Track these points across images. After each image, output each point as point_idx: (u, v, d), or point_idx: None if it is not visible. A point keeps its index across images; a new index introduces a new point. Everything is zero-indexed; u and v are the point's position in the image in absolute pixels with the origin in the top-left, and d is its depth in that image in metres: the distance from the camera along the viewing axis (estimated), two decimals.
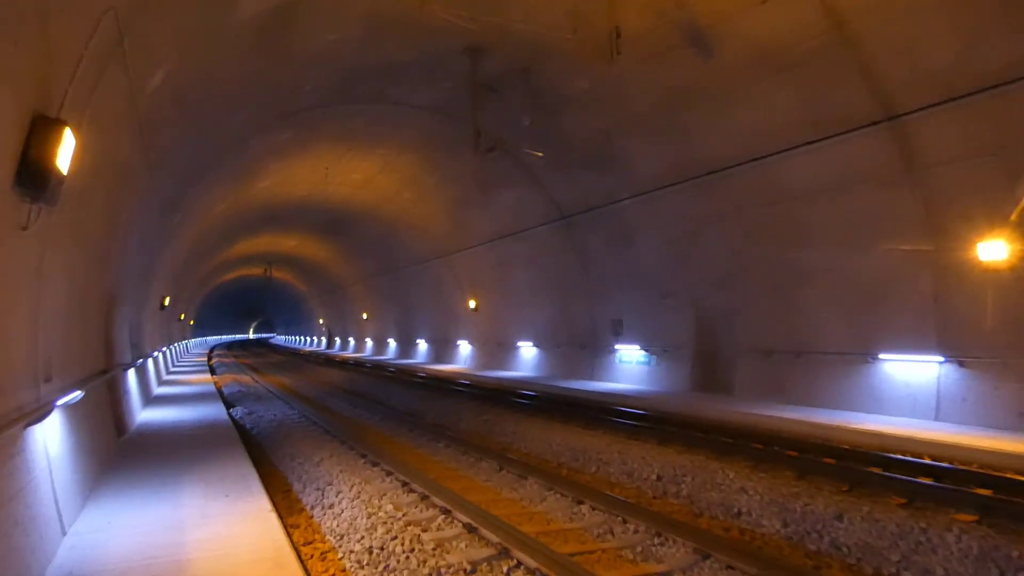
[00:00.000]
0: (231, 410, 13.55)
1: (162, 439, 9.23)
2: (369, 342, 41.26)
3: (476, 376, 20.66)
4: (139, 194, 9.76)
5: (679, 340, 15.36)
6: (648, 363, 16.24)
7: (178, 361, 32.42)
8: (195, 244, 23.28)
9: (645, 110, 13.30)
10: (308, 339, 65.48)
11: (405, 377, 22.70)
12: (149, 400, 14.25)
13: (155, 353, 17.19)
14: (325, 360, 36.37)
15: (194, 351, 49.15)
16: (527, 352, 22.10)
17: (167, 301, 20.37)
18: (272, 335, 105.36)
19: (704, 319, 14.73)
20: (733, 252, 13.60)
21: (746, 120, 11.59)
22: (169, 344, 26.98)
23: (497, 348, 24.08)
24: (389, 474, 8.36)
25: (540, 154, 14.74)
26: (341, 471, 8.54)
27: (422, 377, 22.09)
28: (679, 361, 15.31)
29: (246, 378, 24.38)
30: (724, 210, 13.36)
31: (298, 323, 71.47)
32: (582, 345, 19.00)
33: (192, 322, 50.92)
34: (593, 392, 15.00)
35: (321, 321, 56.44)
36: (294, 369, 30.68)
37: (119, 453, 8.13)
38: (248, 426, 12.31)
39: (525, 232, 20.19)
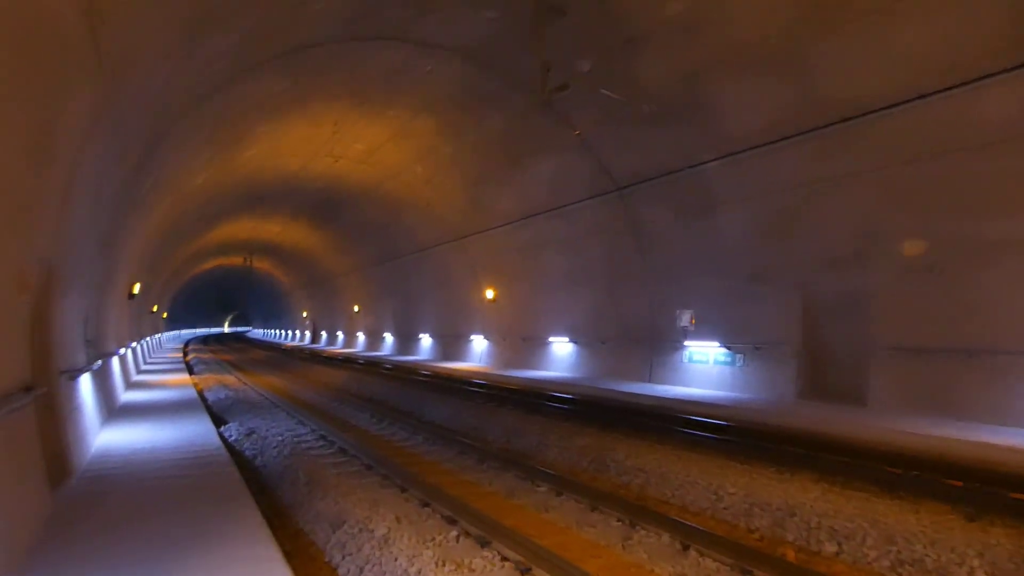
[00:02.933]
0: (223, 428, 10.38)
1: (127, 487, 6.08)
2: (361, 336, 38.00)
3: (504, 377, 17.66)
4: (92, 119, 6.58)
5: (776, 335, 12.55)
6: (731, 363, 13.42)
7: (151, 356, 28.85)
8: (170, 224, 19.90)
9: (755, 40, 10.39)
10: (290, 333, 61.82)
11: (419, 378, 19.58)
12: (113, 412, 11.00)
13: (121, 351, 13.88)
14: (315, 356, 33.03)
15: (168, 346, 45.35)
16: (561, 348, 19.17)
17: (136, 288, 17.00)
18: (248, 329, 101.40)
19: (815, 308, 11.93)
20: (863, 223, 10.80)
21: (918, 42, 8.73)
22: (140, 339, 23.50)
23: (522, 344, 21.09)
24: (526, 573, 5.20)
25: (619, 98, 11.74)
26: (436, 559, 5.23)
27: (441, 378, 18.97)
28: (776, 361, 12.51)
29: (230, 379, 21.03)
30: (856, 169, 10.54)
31: (278, 316, 67.75)
32: (636, 340, 16.12)
33: (165, 315, 47.12)
34: (671, 399, 12.06)
35: (305, 314, 52.91)
36: (283, 367, 27.34)
37: (52, 525, 5.00)
38: (249, 453, 9.16)
39: (564, 208, 17.23)
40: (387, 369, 22.54)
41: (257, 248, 40.07)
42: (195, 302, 70.92)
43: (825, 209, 11.34)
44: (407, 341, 30.76)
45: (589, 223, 16.95)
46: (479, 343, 24.07)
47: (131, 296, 16.39)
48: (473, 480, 7.54)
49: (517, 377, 17.44)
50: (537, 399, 13.10)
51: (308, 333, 52.54)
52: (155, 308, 32.84)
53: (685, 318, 14.39)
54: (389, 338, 33.20)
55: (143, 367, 22.33)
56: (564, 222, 17.78)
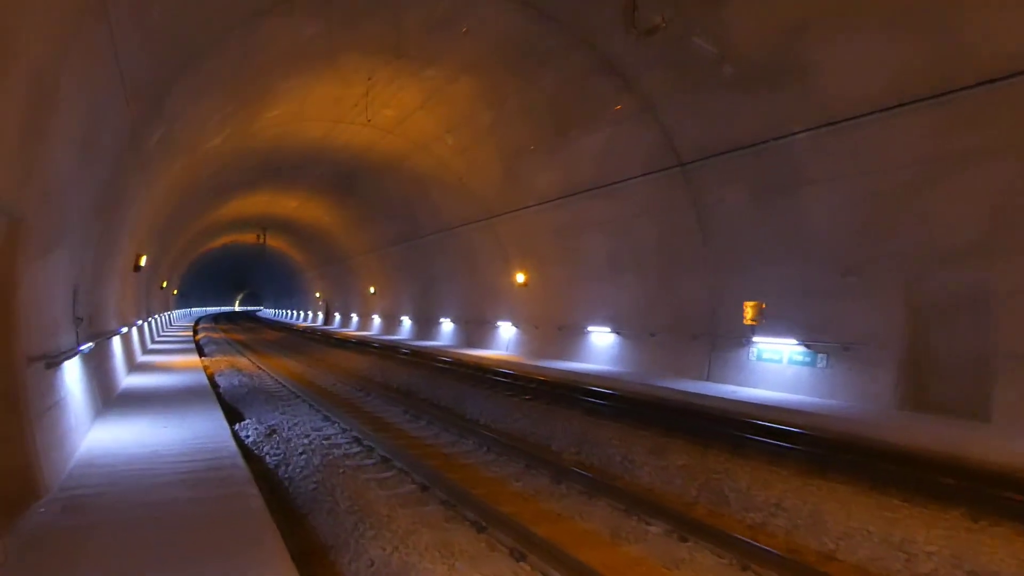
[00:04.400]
0: (238, 425, 8.89)
1: (114, 518, 4.56)
2: (376, 319, 36.58)
3: (540, 368, 16.11)
4: (71, 24, 5.03)
5: (870, 334, 10.89)
6: (811, 363, 11.77)
7: (160, 335, 27.56)
8: (182, 191, 18.41)
9: None
10: (302, 314, 60.64)
11: (447, 366, 18.06)
12: (111, 401, 9.54)
13: (124, 329, 12.43)
14: (329, 339, 31.65)
15: (178, 324, 44.21)
16: (601, 339, 17.57)
17: (143, 260, 15.54)
18: (259, 308, 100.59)
19: (922, 306, 10.25)
20: (994, 209, 9.07)
21: None
22: (148, 316, 22.14)
23: (556, 333, 19.51)
24: None
25: (713, 49, 10.04)
26: None
27: (471, 368, 17.42)
28: (870, 364, 10.85)
29: (243, 361, 19.61)
30: (993, 143, 8.81)
31: (290, 296, 66.60)
32: (692, 334, 14.49)
33: (176, 292, 45.98)
34: (750, 403, 10.40)
35: (318, 295, 51.62)
36: (298, 350, 25.94)
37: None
38: (271, 461, 7.59)
39: (614, 186, 15.54)
40: (410, 355, 21.06)
41: (272, 224, 38.66)
42: (206, 280, 69.94)
43: (945, 191, 9.62)
44: (427, 325, 29.28)
45: (641, 203, 15.26)
46: (506, 330, 22.52)
47: (137, 268, 14.93)
48: (560, 511, 5.89)
49: (554, 369, 15.88)
50: (594, 399, 11.49)
51: (321, 314, 51.29)
52: (165, 284, 31.55)
53: (750, 312, 12.73)
54: (407, 322, 31.74)
55: (150, 346, 20.98)
56: (611, 202, 16.10)
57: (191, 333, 32.15)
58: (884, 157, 10.19)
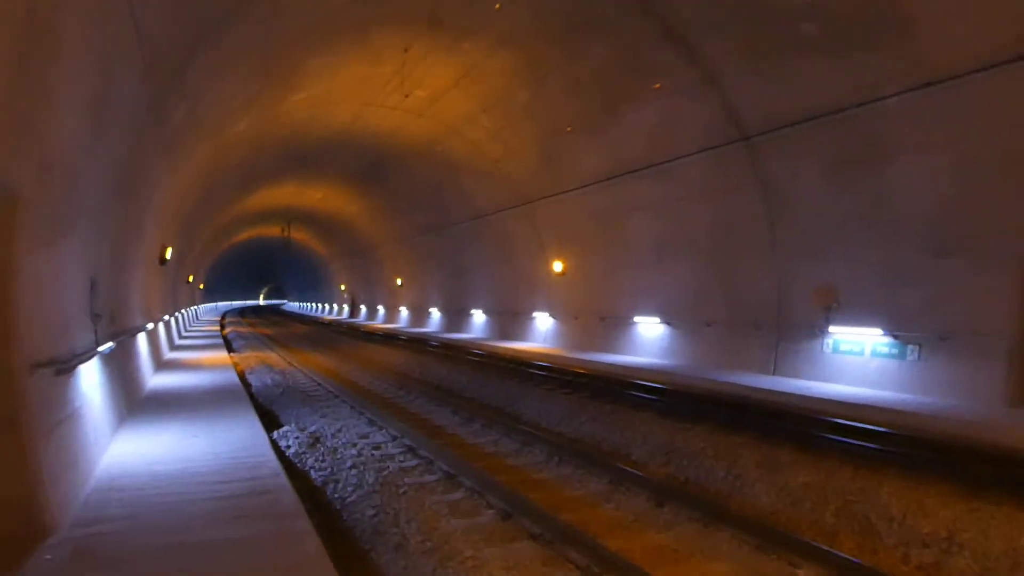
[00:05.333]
0: (276, 432, 8.01)
1: (140, 561, 3.66)
2: (404, 311, 35.82)
3: (586, 362, 15.10)
4: None
5: (974, 323, 9.66)
6: (899, 356, 10.57)
7: (187, 329, 27.08)
8: (207, 180, 17.67)
9: None
10: (326, 307, 60.32)
11: (486, 360, 17.11)
12: (136, 405, 8.74)
13: (151, 325, 11.67)
14: (357, 332, 30.97)
15: (204, 318, 44.03)
16: (649, 330, 16.48)
17: (169, 253, 14.80)
18: (283, 302, 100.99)
19: None
20: None
21: None
22: (175, 311, 21.55)
23: (598, 324, 18.45)
24: None
25: None
26: None
27: (512, 362, 16.44)
28: (974, 355, 9.63)
29: (273, 357, 18.89)
30: None
31: (315, 289, 66.34)
32: (755, 324, 13.33)
33: (202, 286, 45.80)
34: (839, 401, 9.21)
35: (343, 287, 51.09)
36: (328, 344, 25.23)
37: None
38: (318, 479, 6.59)
39: (664, 165, 14.39)
40: (444, 349, 20.18)
41: (296, 217, 38.02)
42: (231, 274, 70.03)
43: None
44: (457, 317, 28.39)
45: (696, 182, 14.09)
46: (543, 321, 21.52)
47: (163, 261, 14.20)
48: (676, 547, 4.77)
49: (602, 363, 14.85)
50: (659, 396, 10.38)
51: (346, 307, 50.79)
52: (191, 278, 31.11)
53: (825, 299, 11.54)
54: (436, 313, 30.91)
55: (178, 342, 20.40)
56: (661, 182, 14.95)
57: (218, 328, 31.73)
58: (991, 119, 8.92)
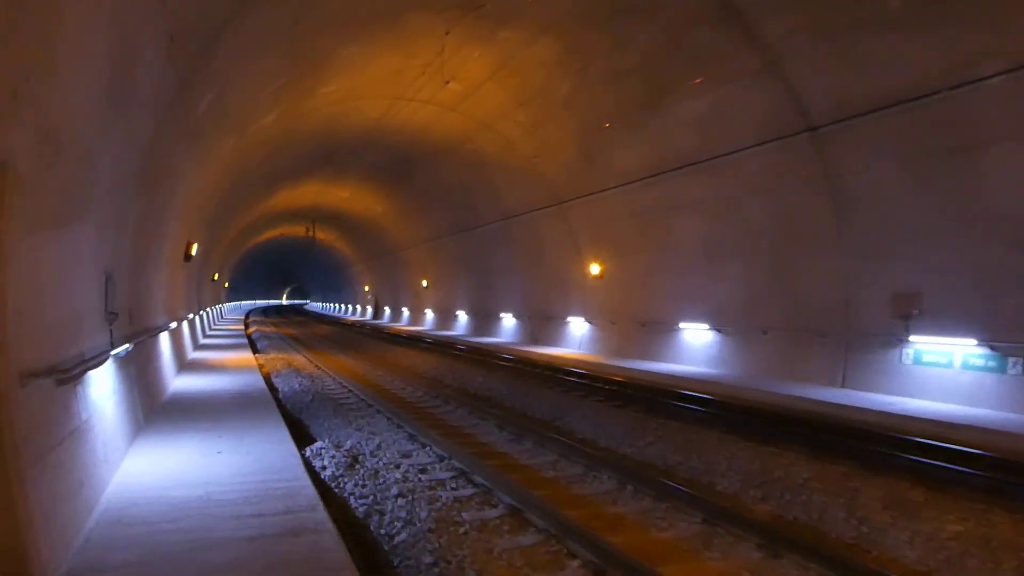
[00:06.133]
0: (308, 449, 7.20)
1: None
2: (429, 314, 35.13)
3: (630, 371, 14.19)
4: None
5: None
6: (999, 369, 9.48)
7: (212, 328, 26.68)
8: (232, 175, 17.10)
9: None
10: (349, 308, 60.02)
11: (520, 366, 16.25)
12: (155, 411, 8.05)
13: (173, 324, 11.03)
14: (382, 334, 30.33)
15: (229, 316, 43.89)
16: (696, 337, 15.48)
17: (194, 249, 14.20)
18: (306, 302, 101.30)
19: None
20: None
21: None
22: (199, 309, 21.07)
23: (639, 330, 17.49)
24: None
25: None
26: None
27: (550, 369, 15.52)
28: None
29: (300, 360, 18.23)
30: None
31: (338, 290, 66.15)
32: (819, 331, 12.28)
33: (226, 284, 45.71)
34: (957, 424, 8.02)
35: (367, 288, 50.66)
36: (354, 346, 24.57)
37: None
38: (360, 510, 5.57)
39: (717, 160, 13.41)
40: (475, 354, 19.37)
41: (321, 216, 37.60)
42: (254, 273, 70.22)
43: None
44: (485, 320, 27.58)
45: (752, 178, 13.10)
46: (578, 326, 20.60)
47: (188, 257, 13.59)
48: None
49: (647, 371, 13.90)
50: (724, 412, 9.34)
51: (370, 308, 50.32)
52: (216, 276, 30.77)
53: (905, 305, 10.48)
54: (463, 316, 30.14)
55: (202, 341, 19.88)
56: (711, 179, 13.97)
57: (242, 327, 31.35)
58: None
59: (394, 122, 18.99)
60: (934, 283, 10.33)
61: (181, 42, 6.33)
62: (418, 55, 14.15)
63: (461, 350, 20.56)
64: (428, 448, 7.20)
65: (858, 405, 9.57)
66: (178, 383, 10.61)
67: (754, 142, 12.50)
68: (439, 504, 5.29)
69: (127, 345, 5.84)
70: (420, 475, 6.16)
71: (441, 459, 6.77)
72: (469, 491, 5.70)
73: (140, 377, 7.45)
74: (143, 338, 7.68)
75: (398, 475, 6.07)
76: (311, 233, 43.20)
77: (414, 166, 23.93)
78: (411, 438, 7.82)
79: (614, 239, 18.29)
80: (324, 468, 6.30)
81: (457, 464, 6.43)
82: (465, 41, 13.57)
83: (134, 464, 5.55)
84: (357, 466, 6.35)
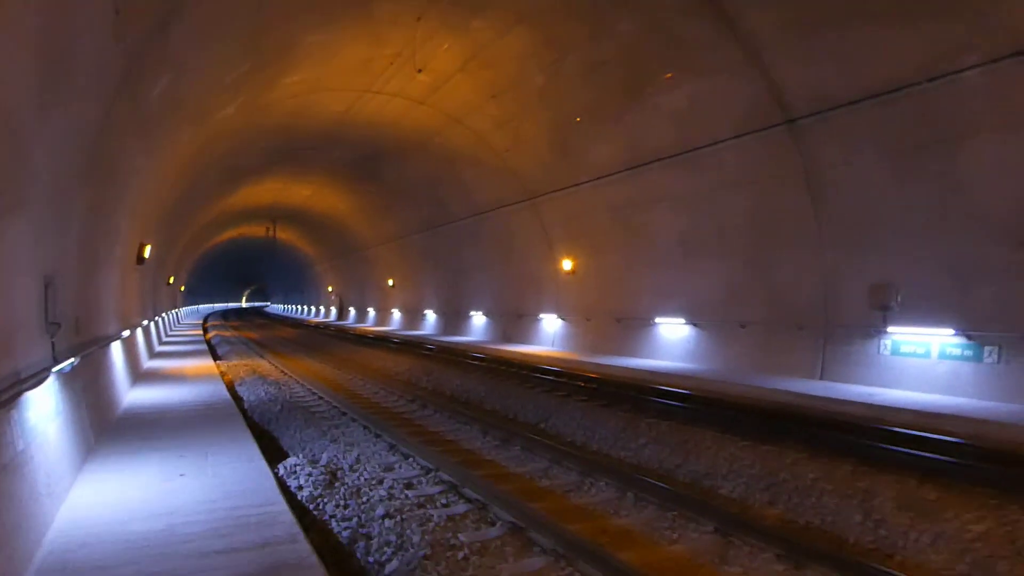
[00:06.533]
0: (281, 465, 6.60)
1: None
2: (396, 313, 34.41)
3: (607, 368, 13.91)
4: None
5: None
6: (976, 358, 9.49)
7: (168, 334, 25.48)
8: (191, 173, 16.22)
9: None
10: (312, 309, 58.63)
11: (496, 365, 15.82)
12: (107, 430, 7.39)
13: (126, 332, 10.25)
14: (349, 336, 29.53)
15: (186, 321, 42.25)
16: (672, 332, 15.31)
17: (148, 251, 13.32)
18: (266, 304, 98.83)
19: None
20: None
21: None
22: (155, 315, 20.00)
23: (615, 326, 17.26)
24: None
25: None
26: None
27: (526, 368, 15.13)
28: None
29: (264, 365, 17.43)
30: None
31: (300, 291, 64.57)
32: (798, 324, 12.20)
33: (183, 288, 43.97)
34: (944, 415, 7.89)
35: (331, 288, 49.49)
36: (321, 349, 23.78)
37: None
38: (344, 535, 4.99)
39: (695, 152, 13.21)
40: (447, 353, 18.86)
41: (282, 215, 36.43)
42: (212, 275, 67.98)
43: None
44: (454, 319, 27.05)
45: (731, 171, 12.95)
46: (550, 323, 20.28)
47: (140, 260, 12.73)
48: None
49: (625, 367, 13.66)
50: (709, 408, 8.98)
51: (334, 309, 49.16)
52: (172, 280, 29.45)
53: (882, 296, 10.44)
54: (431, 316, 29.54)
55: (158, 349, 18.87)
56: (688, 172, 13.79)
57: (201, 332, 30.10)
58: None
59: (360, 116, 18.31)
60: (912, 274, 10.30)
61: (129, 17, 5.69)
62: (387, 44, 13.56)
63: (432, 350, 20.02)
64: (411, 459, 6.70)
65: (841, 397, 9.45)
66: (133, 396, 9.85)
67: (733, 134, 12.33)
68: (431, 525, 4.83)
69: (72, 360, 5.21)
70: (407, 491, 5.67)
71: (427, 471, 6.29)
72: (462, 507, 5.26)
73: (89, 393, 6.77)
74: (92, 349, 6.99)
75: (382, 492, 5.57)
76: (272, 233, 41.89)
77: (381, 162, 23.23)
78: (392, 448, 7.31)
79: (588, 234, 18.01)
80: (300, 488, 5.75)
81: (445, 476, 5.97)
82: (436, 31, 13.04)
83: (84, 494, 4.94)
84: (336, 483, 5.82)
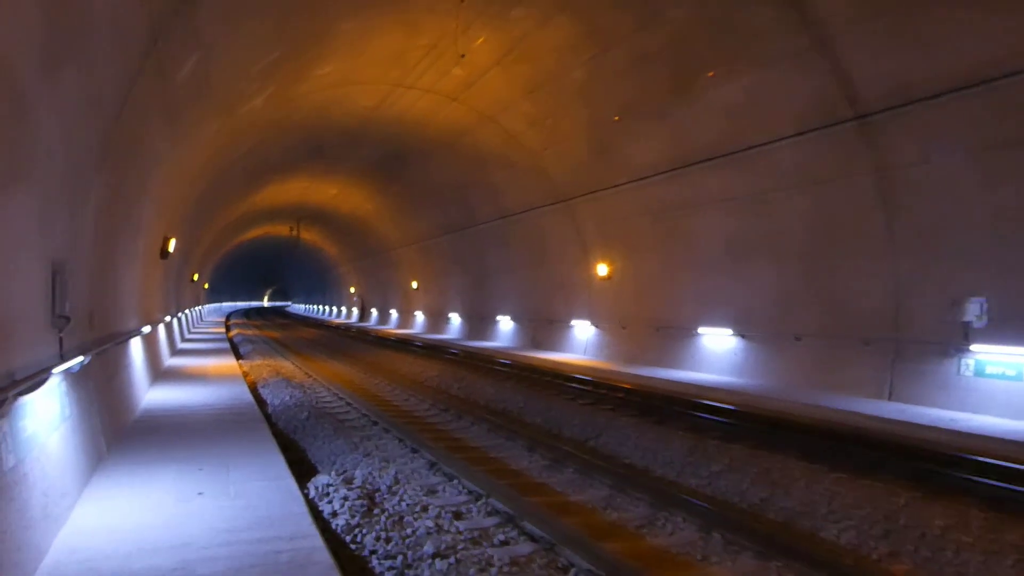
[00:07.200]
0: (310, 484, 5.87)
1: None
2: (419, 316, 33.82)
3: (649, 380, 13.07)
4: None
5: None
6: None
7: (191, 331, 25.13)
8: (217, 167, 15.76)
9: None
10: (333, 310, 58.42)
11: (529, 374, 15.05)
12: (122, 434, 6.78)
13: (147, 328, 9.67)
14: (372, 337, 28.95)
15: (209, 319, 42.14)
16: (717, 343, 14.42)
17: (172, 245, 12.81)
18: (287, 304, 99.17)
19: None
20: None
21: None
22: (177, 312, 19.58)
23: (653, 335, 16.39)
24: None
25: None
26: None
27: (563, 378, 14.33)
28: None
29: (287, 367, 16.85)
30: None
31: (321, 292, 64.44)
32: (862, 338, 11.25)
33: (206, 285, 43.96)
34: None
35: (353, 290, 49.12)
36: (342, 350, 23.21)
37: None
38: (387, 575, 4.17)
39: (748, 152, 12.36)
40: (476, 359, 18.13)
41: (307, 215, 36.12)
42: (235, 274, 68.30)
43: None
44: (480, 323, 26.35)
45: (788, 171, 12.08)
46: (583, 330, 19.47)
47: (164, 254, 12.21)
48: None
49: (668, 380, 12.81)
50: (779, 431, 7.85)
51: (356, 310, 48.78)
52: (196, 277, 29.18)
53: (972, 310, 9.48)
54: (456, 319, 28.87)
55: (180, 346, 18.42)
56: (740, 172, 12.94)
57: (223, 330, 29.78)
58: None
59: (390, 112, 17.75)
60: (1001, 287, 9.33)
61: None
62: (423, 34, 12.94)
63: (459, 355, 19.32)
64: (456, 481, 5.94)
65: (922, 422, 8.53)
66: (152, 397, 9.26)
67: (793, 132, 11.46)
68: (493, 571, 4.06)
69: (80, 358, 4.56)
70: (456, 522, 4.90)
71: (476, 496, 5.51)
72: (526, 547, 4.46)
73: (103, 394, 6.14)
74: (108, 346, 6.37)
75: (429, 522, 4.80)
76: (296, 233, 41.65)
77: (408, 161, 22.68)
78: (432, 466, 6.56)
79: (626, 238, 17.19)
80: (335, 514, 5.03)
81: (498, 504, 5.19)
82: (472, 21, 12.38)
83: (88, 515, 4.27)
84: (375, 509, 5.09)
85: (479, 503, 5.40)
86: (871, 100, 10.10)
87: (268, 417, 8.92)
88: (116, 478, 5.13)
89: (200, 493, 4.76)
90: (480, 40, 13.28)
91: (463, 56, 12.59)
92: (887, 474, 6.41)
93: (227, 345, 19.53)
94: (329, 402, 10.96)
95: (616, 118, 14.67)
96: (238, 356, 17.81)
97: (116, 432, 6.54)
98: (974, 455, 6.55)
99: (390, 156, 22.58)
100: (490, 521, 5.00)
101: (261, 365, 16.62)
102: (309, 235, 43.44)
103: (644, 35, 12.09)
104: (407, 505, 5.24)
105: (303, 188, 28.51)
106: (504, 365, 16.43)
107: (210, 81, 9.29)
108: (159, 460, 5.74)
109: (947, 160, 9.61)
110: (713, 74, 11.79)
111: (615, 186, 16.31)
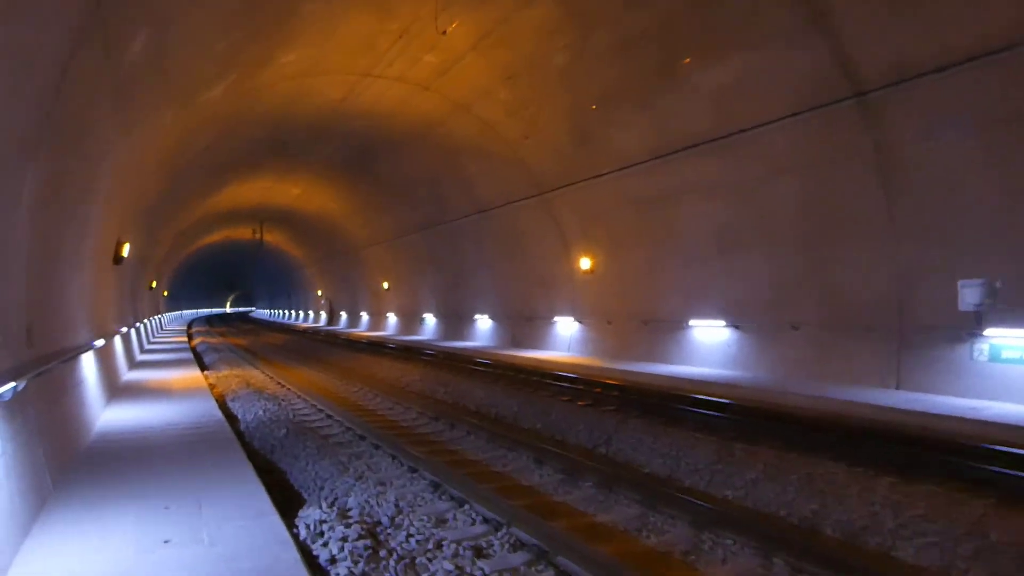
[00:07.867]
0: (300, 518, 5.02)
1: None
2: (392, 318, 32.85)
3: (643, 376, 12.56)
4: None
5: None
6: None
7: (151, 341, 23.73)
8: (173, 164, 14.66)
9: None
10: (300, 314, 56.79)
11: (518, 374, 14.35)
12: (70, 468, 5.90)
13: (99, 342, 8.66)
14: (344, 341, 27.88)
15: (169, 327, 40.31)
16: (709, 335, 13.98)
17: (126, 250, 11.75)
18: (251, 309, 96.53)
19: None
20: None
21: None
22: (135, 322, 18.32)
23: (640, 329, 15.90)
24: None
25: None
26: None
27: (553, 378, 13.65)
28: None
29: (258, 376, 15.80)
30: None
31: (287, 295, 62.67)
32: (864, 326, 10.90)
33: (166, 293, 42.10)
34: None
35: (320, 293, 47.73)
36: (314, 356, 22.16)
37: None
38: None
39: (738, 136, 11.90)
40: (459, 361, 17.37)
41: (270, 216, 34.76)
42: (196, 280, 65.89)
43: None
44: (457, 323, 25.57)
45: (780, 155, 11.65)
46: (566, 326, 18.90)
47: (118, 259, 11.15)
48: None
49: (662, 376, 12.30)
50: (826, 433, 7.01)
51: (324, 313, 47.40)
52: (154, 284, 27.69)
53: (976, 293, 9.15)
54: (431, 319, 28.04)
55: (140, 358, 17.19)
56: (730, 158, 12.48)
57: (185, 339, 28.33)
58: None
59: (358, 104, 16.83)
60: (1013, 266, 9.01)
61: None
62: (395, 16, 12.10)
63: (440, 357, 18.52)
64: (467, 507, 5.17)
65: (938, 412, 8.14)
66: (109, 417, 8.28)
67: (786, 113, 11.02)
68: None
69: (12, 384, 3.70)
70: (479, 561, 4.15)
71: (495, 526, 4.78)
72: None
73: (46, 422, 5.24)
74: (53, 365, 5.46)
75: (447, 564, 4.01)
76: (259, 235, 40.10)
77: (377, 156, 21.73)
78: (436, 488, 5.79)
79: (609, 230, 16.65)
80: (333, 560, 4.21)
81: (523, 536, 4.47)
82: (449, 3, 11.61)
83: None
84: (381, 551, 4.30)
85: (500, 534, 4.67)
86: (871, 76, 9.69)
87: (241, 435, 8.02)
88: (63, 525, 4.28)
89: (166, 541, 3.94)
90: (455, 24, 12.53)
91: (444, 33, 11.75)
92: (938, 475, 5.90)
93: (190, 355, 18.35)
94: (307, 415, 10.08)
95: (593, 107, 14.09)
96: (203, 367, 16.69)
97: (65, 463, 5.64)
98: (1003, 447, 6.10)
99: (358, 151, 21.61)
100: (518, 558, 4.26)
101: (229, 376, 15.55)
102: (273, 237, 41.93)
103: (630, 17, 11.50)
104: (417, 542, 4.47)
105: (266, 187, 27.28)
106: (486, 366, 15.70)
107: (164, 64, 8.34)
108: (116, 497, 4.89)
109: (953, 139, 9.25)
110: (697, 58, 11.28)
111: (597, 176, 15.73)
